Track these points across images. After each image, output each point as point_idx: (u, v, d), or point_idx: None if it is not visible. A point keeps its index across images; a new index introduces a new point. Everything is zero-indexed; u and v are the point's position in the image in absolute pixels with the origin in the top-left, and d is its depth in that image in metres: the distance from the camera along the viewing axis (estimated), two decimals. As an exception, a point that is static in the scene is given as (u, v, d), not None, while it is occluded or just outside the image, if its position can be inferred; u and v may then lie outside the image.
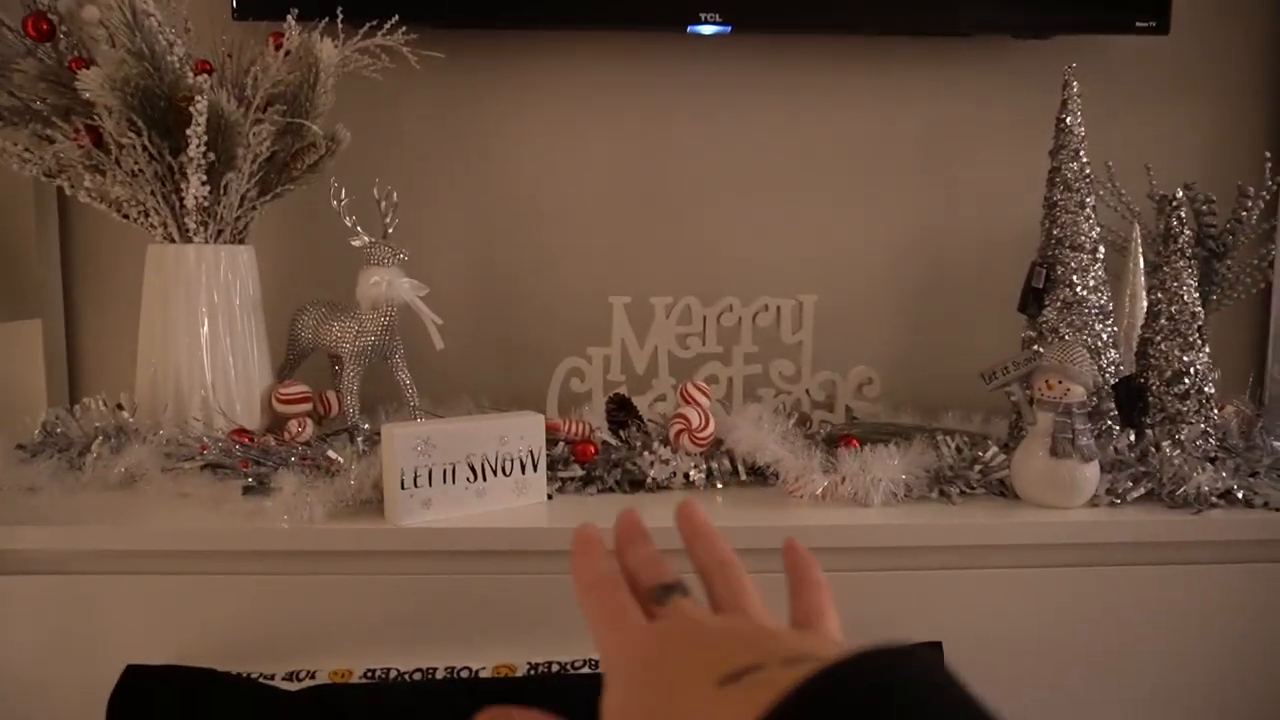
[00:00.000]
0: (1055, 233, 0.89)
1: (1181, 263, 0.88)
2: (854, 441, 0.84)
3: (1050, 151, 0.91)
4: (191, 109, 0.82)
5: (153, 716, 0.62)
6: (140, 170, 0.85)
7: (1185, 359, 0.87)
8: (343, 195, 0.88)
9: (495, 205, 1.14)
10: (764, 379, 0.97)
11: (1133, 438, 0.85)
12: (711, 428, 0.83)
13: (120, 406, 0.86)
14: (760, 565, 0.75)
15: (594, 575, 0.33)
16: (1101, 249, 0.89)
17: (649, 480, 0.81)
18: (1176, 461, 0.81)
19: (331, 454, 0.77)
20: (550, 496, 0.78)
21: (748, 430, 0.82)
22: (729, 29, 1.04)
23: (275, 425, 0.91)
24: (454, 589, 0.73)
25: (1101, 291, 0.88)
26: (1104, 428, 0.86)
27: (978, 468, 0.81)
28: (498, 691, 0.67)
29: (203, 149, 0.83)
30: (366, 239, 0.89)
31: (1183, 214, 0.89)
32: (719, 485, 0.82)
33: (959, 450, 0.83)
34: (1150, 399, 0.88)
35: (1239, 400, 0.96)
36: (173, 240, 0.89)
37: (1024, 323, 0.93)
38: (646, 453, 0.82)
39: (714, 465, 0.83)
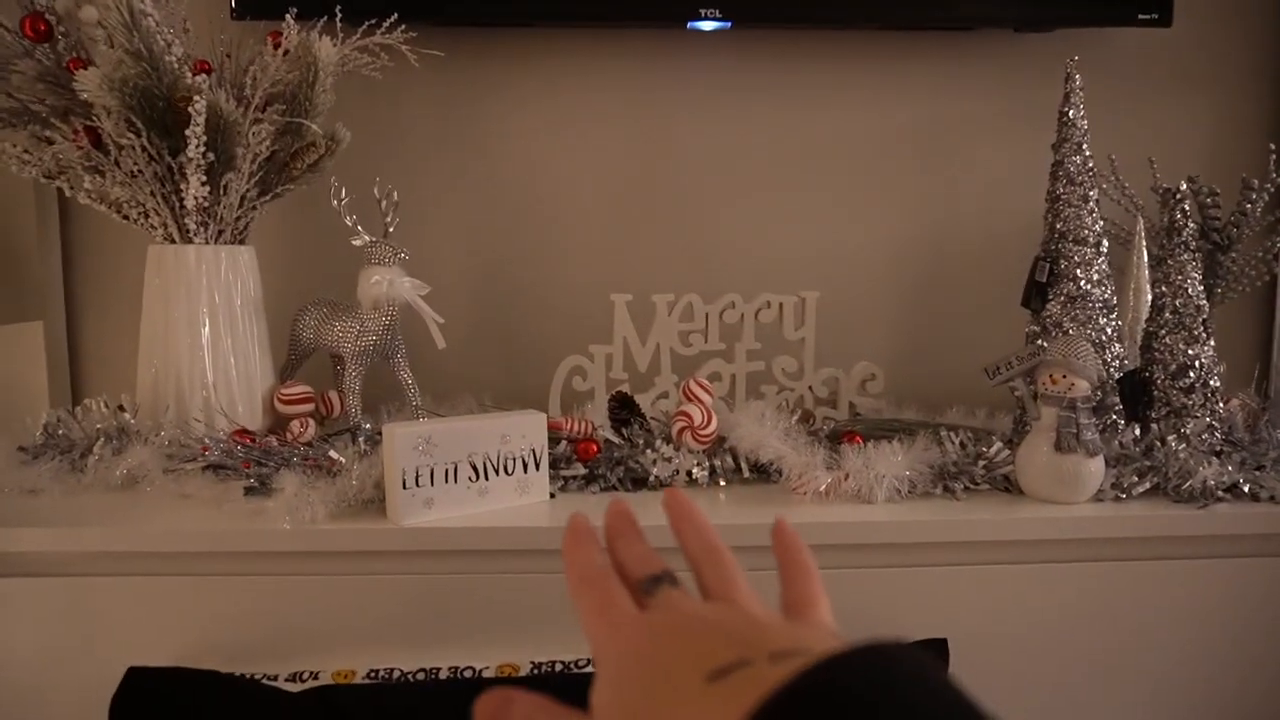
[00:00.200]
0: (1058, 227, 0.89)
1: (1186, 256, 0.88)
2: (857, 438, 0.83)
3: (1053, 145, 0.90)
4: (190, 109, 0.81)
5: (155, 718, 0.62)
6: (140, 171, 0.85)
7: (1190, 353, 0.86)
8: (343, 194, 0.88)
9: (495, 203, 1.14)
10: (767, 376, 0.97)
11: (1138, 432, 0.84)
12: (714, 425, 0.83)
13: (121, 408, 0.86)
14: (764, 563, 0.75)
15: (586, 568, 0.33)
16: (1105, 243, 0.88)
17: (652, 478, 0.80)
18: (1182, 456, 0.80)
19: (333, 454, 0.77)
20: (553, 495, 0.78)
21: (750, 427, 0.82)
22: (729, 25, 1.04)
23: (277, 426, 0.90)
24: (457, 589, 0.72)
25: (1105, 285, 0.88)
26: (1109, 422, 0.86)
27: (982, 463, 0.81)
28: (501, 691, 0.66)
29: (202, 149, 0.83)
30: (367, 238, 0.89)
31: (1186, 207, 0.88)
32: (722, 483, 0.82)
33: (963, 446, 0.83)
34: (1155, 393, 0.88)
35: (1244, 394, 0.95)
36: (173, 241, 0.89)
37: (1027, 317, 0.92)
38: (649, 451, 0.81)
39: (717, 463, 0.82)
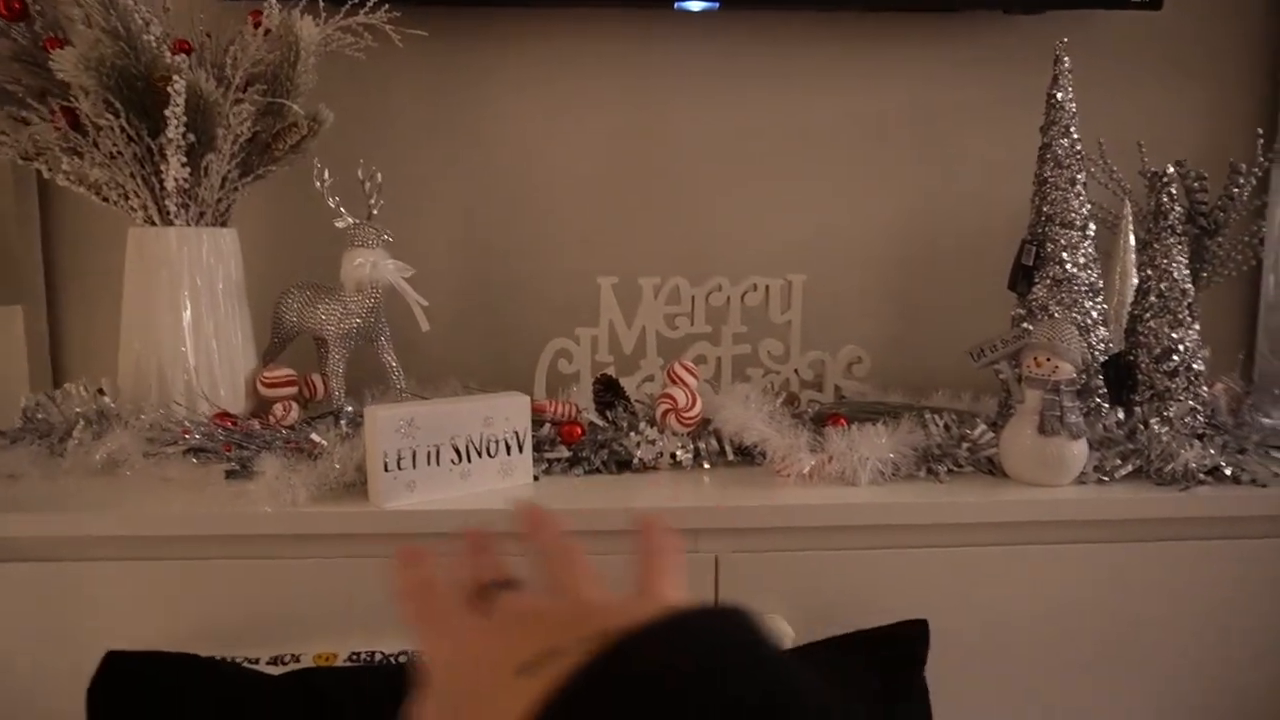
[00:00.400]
0: (1045, 210, 0.88)
1: (1172, 240, 0.88)
2: (842, 420, 0.83)
3: (1041, 128, 0.90)
4: (170, 89, 0.80)
5: (134, 703, 0.62)
6: (119, 152, 0.84)
7: (1174, 336, 0.86)
8: (326, 176, 0.87)
9: (482, 185, 1.13)
10: (753, 359, 0.97)
11: (1121, 415, 0.84)
12: (698, 408, 0.83)
13: (102, 391, 0.85)
14: (746, 545, 0.75)
15: (411, 582, 0.34)
16: (1092, 226, 0.88)
17: (636, 461, 0.80)
18: (1165, 439, 0.80)
19: (314, 437, 0.76)
20: (536, 478, 0.78)
21: (735, 410, 0.81)
22: (717, 5, 1.03)
23: (260, 409, 0.90)
24: (439, 571, 0.72)
25: (1091, 269, 0.88)
26: (1093, 405, 0.86)
27: (966, 446, 0.81)
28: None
29: (182, 130, 0.82)
30: (351, 220, 0.88)
31: (1174, 190, 0.88)
32: (706, 465, 0.82)
33: (947, 428, 0.83)
34: (1139, 376, 0.88)
35: (1228, 378, 0.95)
36: (153, 223, 0.88)
37: (1014, 300, 0.92)
38: (633, 433, 0.81)
39: (701, 445, 0.82)
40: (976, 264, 1.16)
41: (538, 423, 0.80)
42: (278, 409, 0.87)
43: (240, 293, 0.92)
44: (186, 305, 0.88)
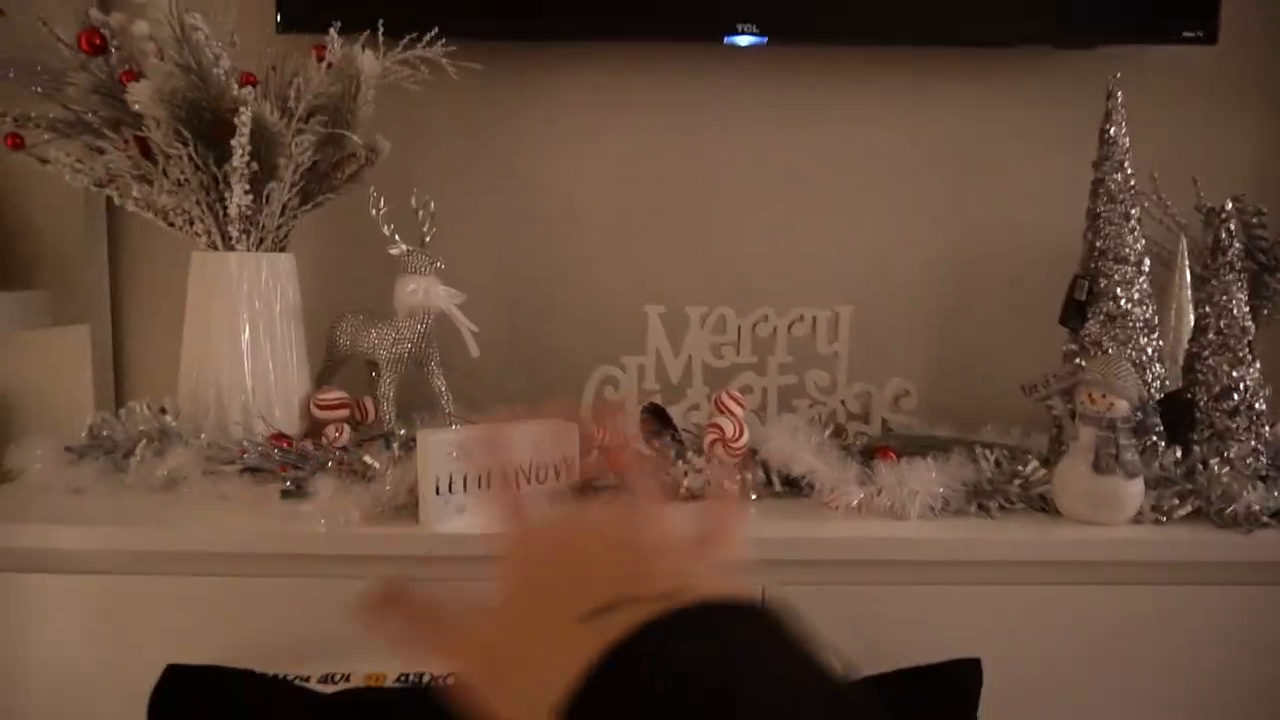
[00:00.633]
0: (1098, 245, 0.88)
1: (1231, 276, 0.86)
2: (891, 453, 0.83)
3: (1094, 163, 0.89)
4: (236, 120, 0.83)
5: (192, 715, 0.63)
6: (186, 180, 0.87)
7: (1234, 374, 0.84)
8: (381, 204, 0.89)
9: (530, 214, 1.15)
10: (799, 390, 0.96)
11: (1179, 454, 0.82)
12: (745, 438, 0.83)
13: (164, 410, 0.88)
14: (793, 577, 0.74)
15: (505, 474, 0.34)
16: (1147, 262, 0.87)
17: (682, 489, 0.80)
18: (1225, 479, 0.78)
19: (368, 459, 0.78)
20: (583, 505, 0.78)
21: (782, 441, 0.81)
22: (765, 40, 1.04)
23: (313, 431, 0.92)
24: (487, 594, 0.73)
25: (1146, 305, 0.86)
26: (1149, 443, 0.84)
27: (1017, 482, 0.80)
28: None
29: (246, 159, 0.85)
30: (404, 247, 0.90)
31: (1232, 226, 0.87)
32: (753, 496, 0.82)
33: (998, 464, 0.82)
34: (1198, 415, 0.86)
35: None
36: (216, 248, 0.91)
37: (1065, 336, 0.91)
38: (680, 462, 0.81)
39: (748, 475, 0.82)
40: (1023, 298, 1.14)
41: (585, 449, 0.81)
42: (330, 431, 0.89)
43: (296, 316, 0.94)
44: (245, 328, 0.90)
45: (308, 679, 0.67)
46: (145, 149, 0.89)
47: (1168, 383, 0.87)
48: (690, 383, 0.95)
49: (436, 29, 0.91)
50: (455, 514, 0.72)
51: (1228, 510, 0.76)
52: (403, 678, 0.68)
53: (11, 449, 0.85)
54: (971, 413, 1.08)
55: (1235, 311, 0.85)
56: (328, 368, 0.98)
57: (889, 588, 0.74)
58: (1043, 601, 0.75)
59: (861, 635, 0.73)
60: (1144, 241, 0.88)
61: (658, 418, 0.87)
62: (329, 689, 0.66)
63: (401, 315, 0.91)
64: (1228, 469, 0.80)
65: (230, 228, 0.89)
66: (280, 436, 0.85)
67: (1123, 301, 0.86)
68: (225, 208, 0.88)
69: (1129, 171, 0.87)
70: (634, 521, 0.33)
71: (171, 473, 0.80)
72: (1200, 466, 0.81)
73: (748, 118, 1.14)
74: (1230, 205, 0.87)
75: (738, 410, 0.83)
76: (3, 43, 0.89)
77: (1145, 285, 0.87)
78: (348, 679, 0.68)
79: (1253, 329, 0.86)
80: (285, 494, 0.78)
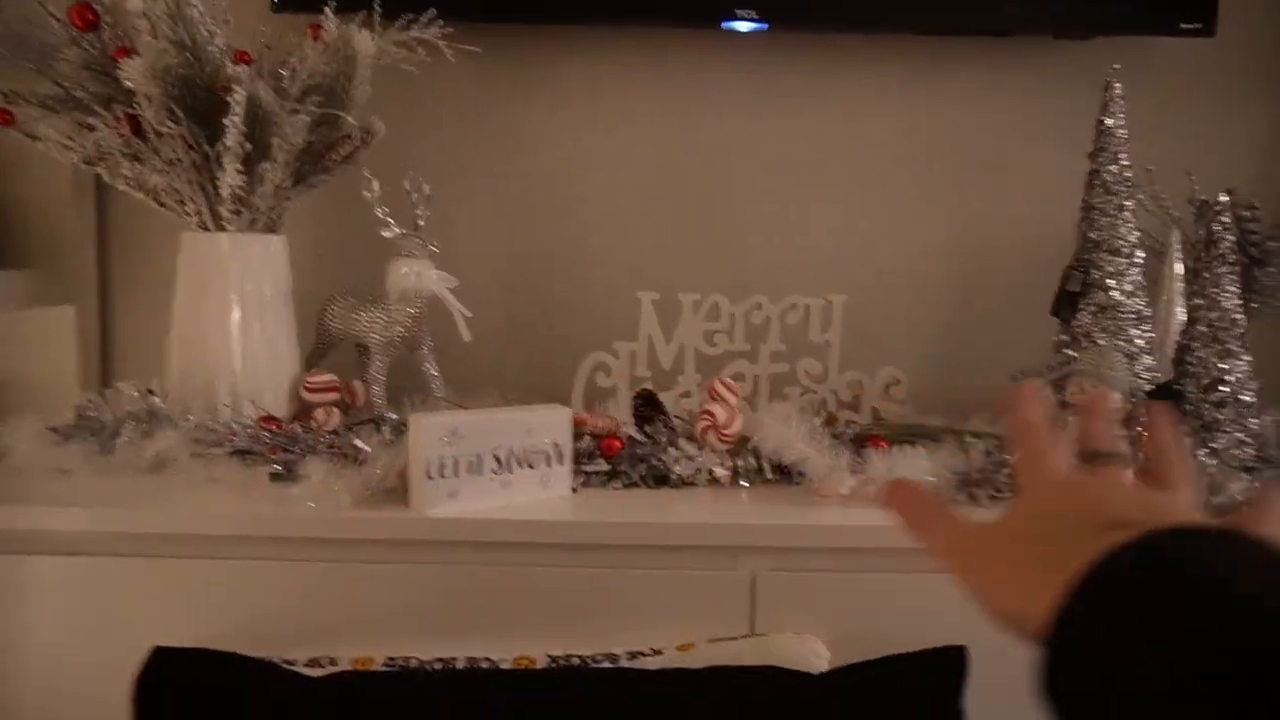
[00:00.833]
0: (1092, 236, 0.88)
1: (1223, 269, 0.86)
2: (881, 442, 0.83)
3: (1090, 154, 0.89)
4: (229, 99, 0.83)
5: (178, 698, 0.63)
6: (178, 159, 0.87)
7: (1223, 367, 0.85)
8: (375, 187, 0.88)
9: (526, 199, 1.15)
10: (791, 378, 0.96)
11: (1168, 446, 0.83)
12: (738, 425, 0.83)
13: (151, 391, 0.87)
14: (785, 564, 0.74)
15: (1023, 420, 0.39)
16: (1140, 253, 0.87)
17: (674, 476, 0.80)
18: (1212, 470, 0.79)
19: (359, 442, 0.77)
20: (575, 490, 0.78)
21: (774, 428, 0.81)
22: (765, 26, 1.04)
23: (302, 414, 0.91)
24: (476, 580, 0.73)
25: (1138, 297, 0.87)
26: (1138, 434, 0.85)
27: (1005, 471, 0.80)
28: (517, 682, 0.66)
29: (240, 139, 0.84)
30: (397, 230, 0.89)
31: (1225, 219, 0.87)
32: (744, 483, 0.82)
33: (988, 453, 0.82)
34: (1186, 406, 0.86)
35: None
36: (207, 228, 0.90)
37: (1057, 326, 0.91)
38: (672, 449, 0.81)
39: (740, 462, 0.82)
40: (1016, 288, 1.14)
41: (577, 435, 0.81)
42: (319, 414, 0.88)
43: (287, 298, 0.94)
44: (235, 309, 0.90)
45: (294, 662, 0.67)
46: (136, 127, 0.87)
47: (1158, 374, 0.87)
48: (682, 369, 0.95)
49: (434, 10, 0.90)
50: (447, 498, 0.71)
51: (1214, 501, 0.77)
52: (390, 662, 0.68)
53: (-2, 429, 0.84)
54: (962, 402, 1.08)
55: (1225, 304, 0.86)
56: (318, 350, 0.98)
57: (879, 575, 0.74)
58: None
59: (851, 622, 0.74)
60: (1138, 233, 0.88)
61: (649, 404, 0.87)
62: (316, 672, 0.66)
63: (394, 298, 0.90)
64: (1215, 460, 0.81)
65: (222, 208, 0.89)
66: (269, 419, 0.85)
67: (1114, 293, 0.86)
68: (217, 188, 0.88)
69: (1124, 163, 0.87)
70: (1146, 488, 0.38)
71: (159, 454, 0.80)
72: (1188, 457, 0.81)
73: (746, 105, 1.14)
74: (1224, 198, 0.87)
75: (730, 397, 0.83)
76: (-8, 17, 0.88)
77: (1138, 277, 0.87)
78: (335, 663, 0.67)
79: (1243, 322, 0.86)
80: (275, 477, 0.77)
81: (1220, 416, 0.85)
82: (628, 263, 1.14)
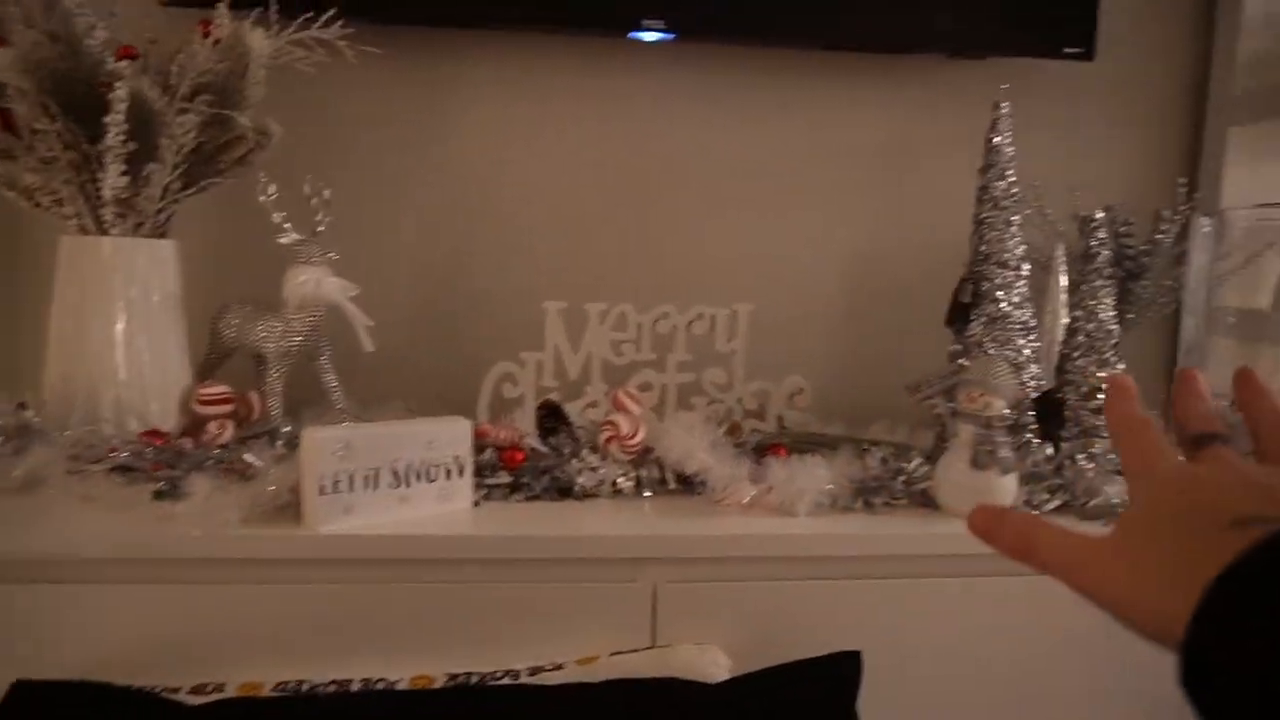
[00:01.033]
0: (983, 249, 0.91)
1: (1100, 282, 0.91)
2: (782, 450, 0.84)
3: (980, 169, 0.93)
4: (111, 96, 0.79)
5: (43, 732, 0.59)
6: (54, 157, 0.82)
7: (1100, 375, 0.89)
8: (271, 190, 0.85)
9: (430, 206, 1.13)
10: (697, 387, 0.97)
11: (1050, 451, 0.87)
12: (641, 435, 0.83)
13: (23, 405, 0.82)
14: (685, 575, 0.75)
15: (1126, 416, 0.37)
16: (1026, 266, 0.91)
17: (577, 488, 0.80)
18: (1089, 474, 0.83)
19: (248, 457, 0.75)
20: (477, 503, 0.77)
21: (678, 438, 0.82)
22: (673, 37, 1.05)
23: (194, 427, 0.87)
24: (373, 598, 0.71)
25: (1025, 308, 0.91)
26: (1024, 441, 0.89)
27: (901, 478, 0.83)
28: (414, 703, 0.65)
29: (122, 138, 0.80)
30: (295, 236, 0.87)
31: (1102, 234, 0.92)
32: (647, 493, 0.82)
33: (884, 461, 0.84)
34: (1067, 413, 0.91)
35: (1150, 416, 0.99)
36: (88, 231, 0.85)
37: (953, 336, 0.95)
38: (575, 460, 0.81)
39: (643, 473, 0.82)
40: (919, 299, 1.18)
41: (479, 447, 0.80)
42: (212, 427, 0.85)
43: (177, 306, 0.90)
44: (119, 318, 0.85)
45: (177, 690, 0.64)
46: (8, 122, 0.82)
47: (1043, 382, 0.91)
48: (589, 379, 0.95)
49: (334, 10, 0.88)
50: (342, 514, 0.70)
51: (1091, 504, 0.81)
52: (280, 686, 0.65)
53: None
54: (866, 410, 1.11)
55: (1103, 315, 0.91)
56: (211, 361, 0.94)
57: (778, 583, 0.75)
58: (924, 594, 0.78)
59: (750, 631, 0.75)
60: (1025, 246, 0.92)
61: (553, 415, 0.86)
62: (199, 700, 0.63)
63: (291, 307, 0.87)
64: (1092, 464, 0.85)
65: (104, 211, 0.84)
66: (154, 434, 0.81)
67: (1004, 304, 0.90)
68: (99, 189, 0.83)
69: (1012, 179, 0.91)
70: (1265, 468, 0.36)
71: (31, 472, 0.75)
72: (1068, 462, 0.86)
73: (653, 115, 1.14)
74: (1101, 214, 0.92)
75: (634, 408, 0.84)
76: None
77: (1025, 289, 0.91)
78: (221, 689, 0.65)
79: (1118, 332, 0.91)
80: (158, 495, 0.74)
81: (1099, 423, 0.90)
82: (536, 271, 1.14)
